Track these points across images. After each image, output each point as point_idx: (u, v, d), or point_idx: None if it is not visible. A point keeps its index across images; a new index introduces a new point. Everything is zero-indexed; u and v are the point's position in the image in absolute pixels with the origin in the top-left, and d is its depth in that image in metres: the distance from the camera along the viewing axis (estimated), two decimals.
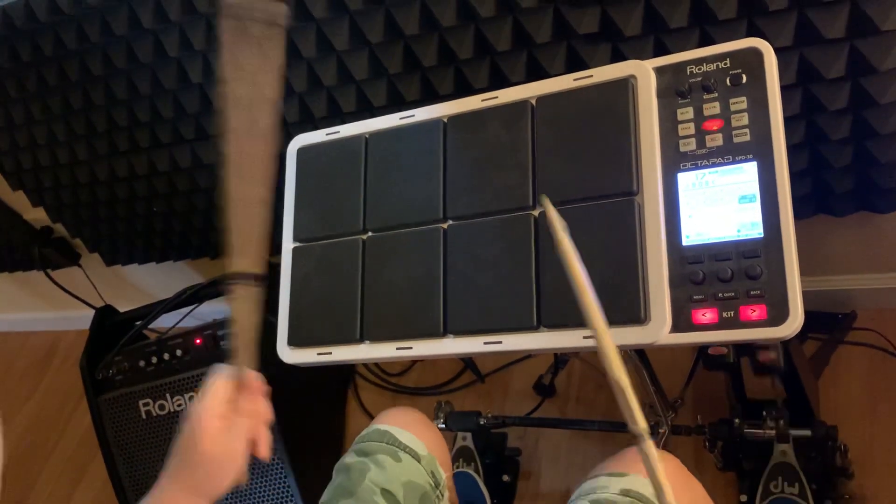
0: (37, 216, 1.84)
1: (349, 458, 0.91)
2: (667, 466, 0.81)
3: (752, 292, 0.72)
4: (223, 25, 0.66)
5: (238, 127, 0.69)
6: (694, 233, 0.76)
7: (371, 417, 1.01)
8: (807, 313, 0.71)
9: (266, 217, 0.70)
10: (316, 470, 1.48)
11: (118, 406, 1.58)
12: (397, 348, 0.88)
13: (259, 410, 0.70)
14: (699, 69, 0.80)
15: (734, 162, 0.76)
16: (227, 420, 0.67)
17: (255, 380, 0.70)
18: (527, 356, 1.62)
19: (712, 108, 0.78)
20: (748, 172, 0.75)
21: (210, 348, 1.50)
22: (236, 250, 0.69)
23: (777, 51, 0.78)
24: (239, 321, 0.69)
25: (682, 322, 0.75)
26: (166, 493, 0.69)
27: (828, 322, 1.43)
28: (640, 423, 0.56)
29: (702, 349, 1.20)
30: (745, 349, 1.09)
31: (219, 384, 0.68)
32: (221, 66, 0.67)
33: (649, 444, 0.56)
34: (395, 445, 0.90)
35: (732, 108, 0.77)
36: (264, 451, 0.71)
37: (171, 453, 0.69)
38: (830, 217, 1.18)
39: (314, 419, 1.63)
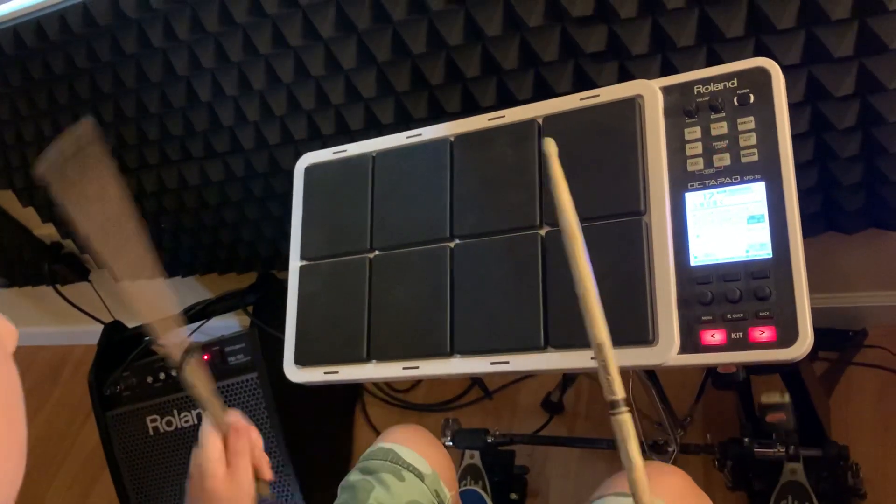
0: (47, 232, 1.85)
1: (354, 477, 0.90)
2: (675, 481, 0.80)
3: (760, 313, 0.72)
4: (48, 184, 0.68)
5: (100, 234, 0.72)
6: (702, 253, 0.76)
7: (378, 434, 1.00)
8: (817, 331, 0.70)
9: (156, 270, 0.74)
10: (323, 486, 1.48)
11: (126, 422, 1.58)
12: (404, 368, 0.88)
13: (250, 442, 0.77)
14: (706, 89, 0.80)
15: (742, 182, 0.76)
16: (227, 461, 0.74)
17: (235, 417, 0.77)
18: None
19: (720, 128, 0.78)
20: (756, 192, 0.75)
21: (217, 364, 1.50)
22: (161, 332, 0.74)
23: (785, 69, 0.78)
24: (196, 385, 0.75)
25: (690, 343, 0.74)
26: None
27: (838, 339, 1.41)
28: (618, 390, 0.54)
29: (711, 368, 1.19)
30: (755, 368, 1.09)
31: (210, 434, 0.75)
32: (66, 212, 0.70)
33: (625, 416, 0.54)
34: (399, 464, 0.89)
35: (740, 127, 0.77)
36: (267, 472, 0.78)
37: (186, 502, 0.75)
38: (840, 234, 1.17)
39: (321, 435, 1.62)
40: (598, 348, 0.56)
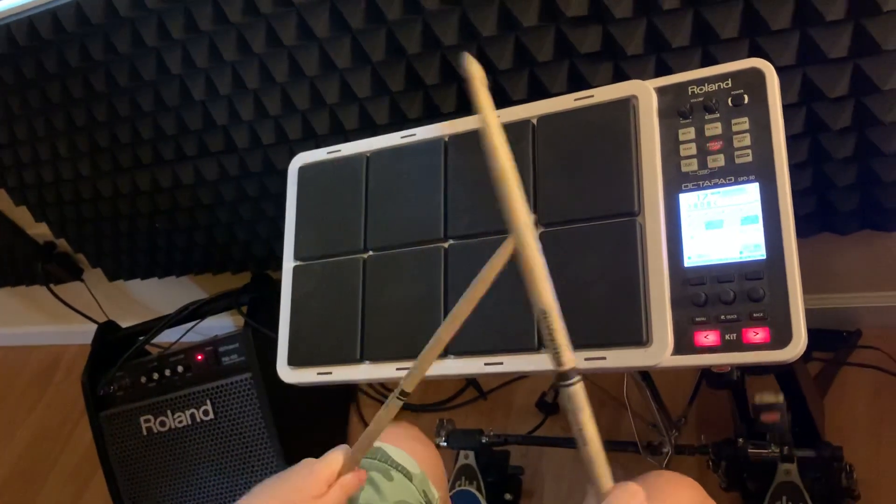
0: (40, 231, 1.84)
1: None
2: (690, 494, 0.80)
3: (754, 314, 0.72)
4: None
5: None
6: (696, 254, 0.76)
7: None
8: (811, 331, 0.70)
9: None
10: None
11: (119, 422, 1.58)
12: (398, 368, 0.88)
13: (354, 489, 0.76)
14: (701, 89, 0.80)
15: (736, 183, 0.76)
16: (328, 487, 0.73)
17: (362, 469, 0.77)
18: None
19: (714, 129, 0.78)
20: (750, 193, 0.75)
21: (211, 364, 1.50)
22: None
23: (780, 70, 0.78)
24: (380, 424, 0.74)
25: (683, 344, 0.74)
26: None
27: (833, 340, 1.42)
28: (567, 360, 0.51)
29: (705, 369, 1.19)
30: (749, 369, 1.09)
31: (340, 455, 0.75)
32: None
33: (578, 387, 0.51)
34: (388, 463, 0.89)
35: (734, 128, 0.77)
36: None
37: (264, 482, 0.74)
38: (835, 235, 1.17)
39: (315, 434, 1.62)
40: (543, 315, 0.52)
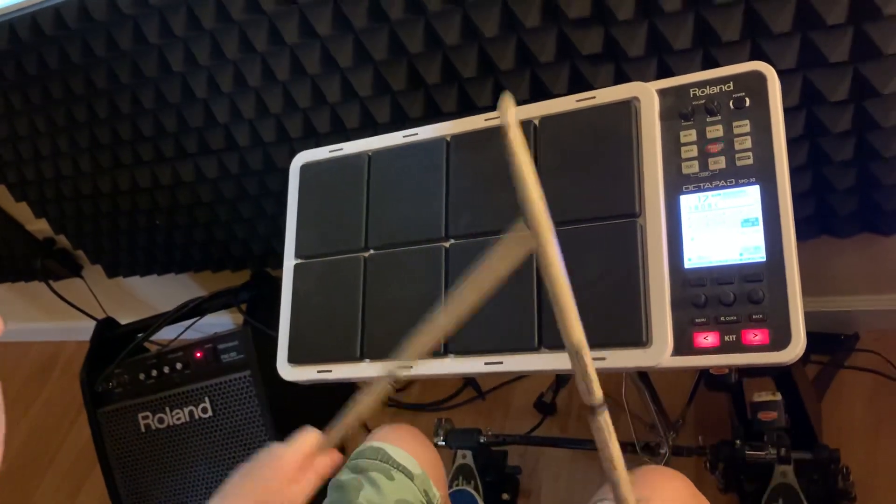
0: (39, 227, 1.84)
1: (344, 476, 0.90)
2: (675, 485, 0.80)
3: (754, 316, 0.72)
4: None
5: None
6: (696, 255, 0.76)
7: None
8: (809, 334, 0.71)
9: None
10: None
11: (117, 419, 1.57)
12: (398, 367, 0.88)
13: (328, 472, 0.75)
14: (702, 92, 0.80)
15: (737, 185, 0.76)
16: (301, 471, 0.72)
17: (337, 452, 0.76)
18: None
19: (715, 131, 0.78)
20: (751, 196, 0.75)
21: (210, 362, 1.49)
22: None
23: (780, 73, 0.79)
24: (361, 407, 0.73)
25: (683, 345, 0.74)
26: None
27: (830, 343, 1.42)
28: (597, 394, 0.53)
29: (704, 370, 1.19)
30: (748, 371, 1.09)
31: (310, 437, 0.73)
32: None
33: (606, 418, 0.53)
34: (389, 463, 0.89)
35: (735, 131, 0.77)
36: None
37: (231, 479, 0.72)
38: (834, 238, 1.17)
39: None
40: (576, 355, 0.54)
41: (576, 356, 0.53)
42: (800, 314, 0.70)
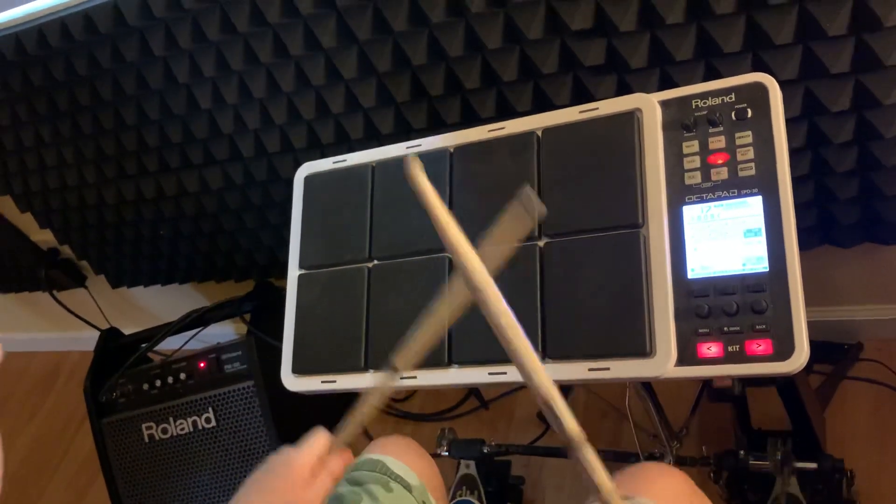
0: (44, 238, 1.85)
1: (342, 488, 0.90)
2: (673, 481, 0.80)
3: (757, 326, 0.72)
4: None
5: None
6: (699, 266, 0.76)
7: None
8: (812, 344, 0.71)
9: None
10: None
11: (121, 429, 1.57)
12: (401, 378, 0.88)
13: (339, 477, 0.74)
14: (704, 103, 0.80)
15: (739, 196, 0.76)
16: (314, 474, 0.71)
17: (348, 452, 0.75)
18: None
19: (718, 142, 0.79)
20: (753, 206, 0.75)
21: (214, 372, 1.50)
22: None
23: (782, 84, 0.79)
24: (366, 407, 0.73)
25: (687, 355, 0.74)
26: None
27: (834, 353, 1.42)
28: (573, 428, 0.53)
29: (707, 380, 1.19)
30: (751, 381, 1.09)
31: (322, 438, 0.73)
32: None
33: (587, 450, 0.55)
34: (387, 475, 0.89)
35: (738, 142, 0.78)
36: None
37: (245, 488, 0.71)
38: (836, 248, 1.18)
39: None
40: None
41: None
42: (803, 324, 0.71)
